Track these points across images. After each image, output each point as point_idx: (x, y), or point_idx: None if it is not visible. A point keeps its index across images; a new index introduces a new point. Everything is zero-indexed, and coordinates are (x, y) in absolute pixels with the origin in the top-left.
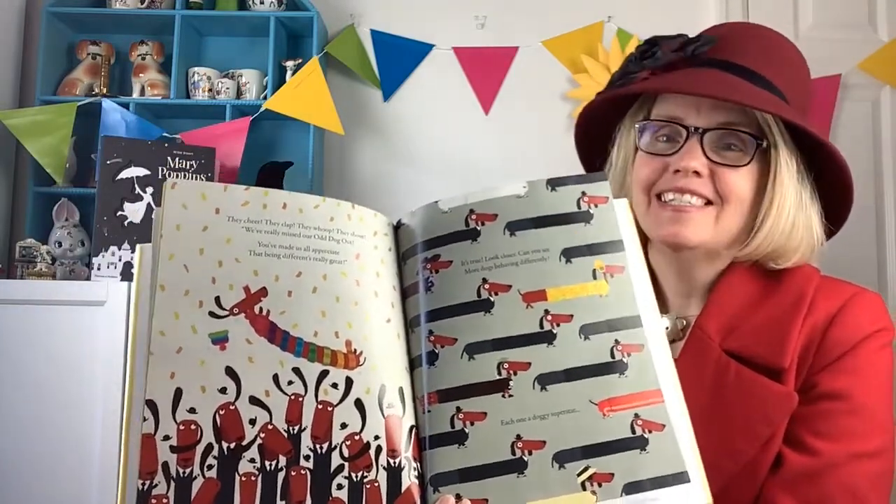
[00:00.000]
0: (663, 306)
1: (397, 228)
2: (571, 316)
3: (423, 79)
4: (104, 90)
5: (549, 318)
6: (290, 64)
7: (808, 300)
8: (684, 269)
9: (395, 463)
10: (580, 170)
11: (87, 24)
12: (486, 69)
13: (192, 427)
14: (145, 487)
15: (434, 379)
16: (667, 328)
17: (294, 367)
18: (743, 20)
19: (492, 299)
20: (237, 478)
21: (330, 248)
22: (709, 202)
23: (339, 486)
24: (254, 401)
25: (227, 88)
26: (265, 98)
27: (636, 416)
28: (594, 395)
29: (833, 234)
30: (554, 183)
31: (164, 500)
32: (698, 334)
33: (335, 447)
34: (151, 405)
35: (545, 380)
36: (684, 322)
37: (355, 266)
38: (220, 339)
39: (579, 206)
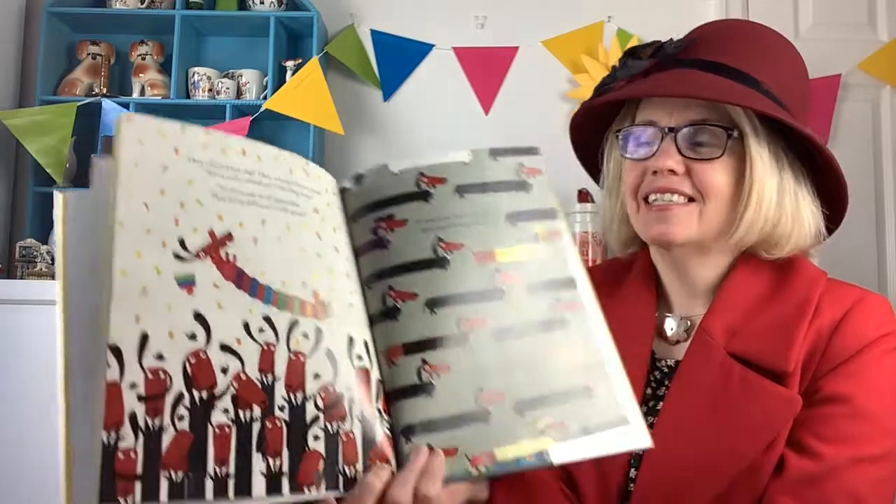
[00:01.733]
0: (668, 307)
1: (343, 191)
2: (519, 275)
3: (423, 79)
4: (104, 90)
5: (500, 276)
6: (290, 64)
7: (813, 304)
8: (681, 269)
9: (367, 414)
10: (581, 171)
11: (87, 24)
12: (486, 69)
13: (161, 375)
14: (111, 441)
15: (398, 332)
16: (671, 329)
17: (264, 315)
18: (743, 20)
19: (447, 257)
20: (210, 429)
21: (291, 199)
22: (691, 199)
23: (316, 438)
24: (225, 348)
25: (227, 88)
26: (265, 98)
27: (583, 366)
28: (544, 348)
29: (832, 231)
30: (495, 153)
31: (132, 455)
32: (703, 336)
33: (309, 398)
34: (115, 351)
35: (500, 334)
36: (689, 323)
37: (315, 220)
38: (187, 283)
39: (519, 176)
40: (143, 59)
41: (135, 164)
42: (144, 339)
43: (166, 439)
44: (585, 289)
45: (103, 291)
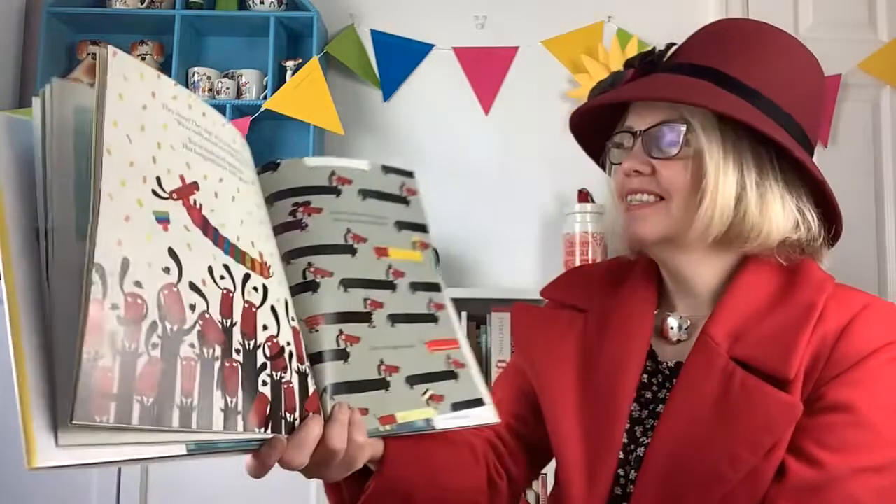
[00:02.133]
0: (670, 307)
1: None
2: (404, 273)
3: (423, 79)
4: None
5: (392, 270)
6: (290, 64)
7: (818, 310)
8: (673, 270)
9: (302, 369)
10: (582, 171)
11: (87, 24)
12: (486, 69)
13: (139, 301)
14: (91, 356)
15: (318, 303)
16: (671, 329)
17: (224, 264)
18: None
19: (355, 246)
20: (179, 361)
21: (237, 165)
22: (661, 198)
23: (264, 383)
24: (193, 287)
25: (227, 88)
26: (265, 98)
27: (448, 356)
28: (423, 337)
29: (836, 233)
30: (385, 169)
31: (110, 374)
32: (705, 340)
33: (259, 346)
34: (99, 270)
35: (394, 319)
36: (689, 323)
37: (253, 190)
38: (163, 219)
39: (401, 192)
40: (143, 59)
41: (119, 96)
42: (126, 263)
43: (140, 364)
44: (446, 294)
45: (92, 211)
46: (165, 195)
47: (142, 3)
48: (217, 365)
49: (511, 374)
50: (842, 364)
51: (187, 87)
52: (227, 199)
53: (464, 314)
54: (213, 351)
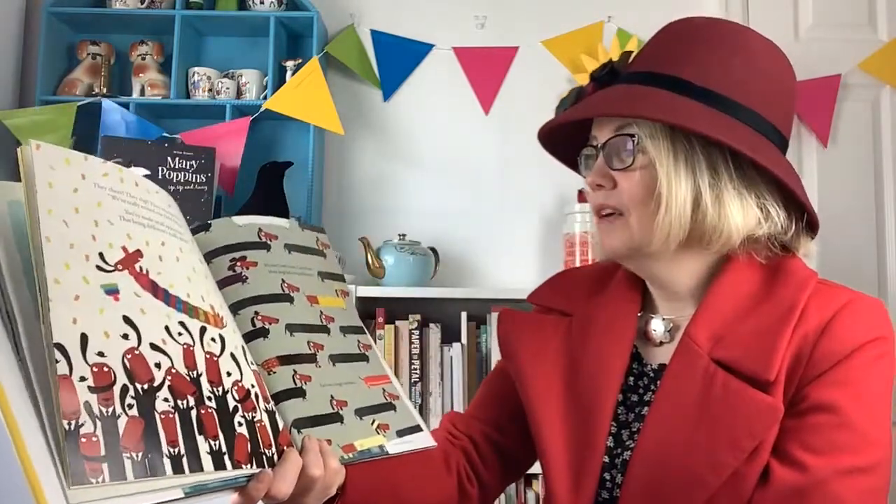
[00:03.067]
0: (653, 309)
1: None
2: (334, 318)
3: (423, 79)
4: (104, 90)
5: (324, 316)
6: (290, 64)
7: (799, 309)
8: (649, 276)
9: (269, 408)
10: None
11: (87, 24)
12: (486, 69)
13: (105, 369)
14: (72, 427)
15: (271, 348)
16: (654, 331)
17: (180, 321)
18: (743, 20)
19: (291, 294)
20: (157, 416)
21: (176, 228)
22: (621, 212)
23: (240, 424)
24: (154, 347)
25: (227, 88)
26: (265, 98)
27: (384, 389)
28: (359, 374)
29: (814, 225)
30: (303, 226)
31: (94, 438)
32: (687, 343)
33: (227, 391)
34: (60, 348)
35: (334, 359)
36: (671, 324)
37: (193, 248)
38: (112, 291)
39: (317, 245)
40: (143, 59)
41: (49, 185)
42: (84, 338)
43: (121, 424)
44: (368, 335)
45: (40, 297)
46: (111, 268)
47: (142, 3)
48: (194, 413)
49: (494, 378)
50: (824, 363)
51: (187, 87)
52: (172, 260)
53: (464, 314)
54: (187, 401)
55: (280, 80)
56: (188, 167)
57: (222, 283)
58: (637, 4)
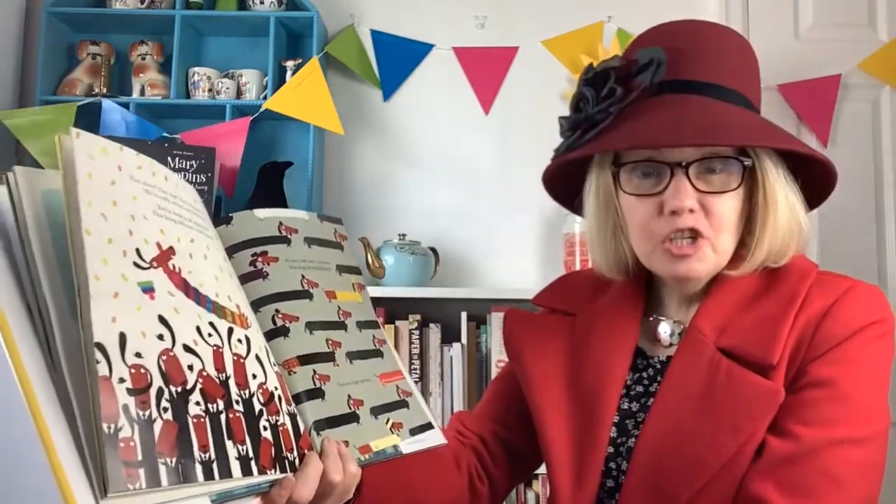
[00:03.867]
0: (663, 312)
1: None
2: (351, 313)
3: (423, 79)
4: (104, 90)
5: (342, 312)
6: (290, 64)
7: (801, 296)
8: (689, 289)
9: (291, 411)
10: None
11: (87, 24)
12: (486, 69)
13: (142, 371)
14: (111, 430)
15: (291, 347)
16: (663, 333)
17: (210, 322)
18: (743, 20)
19: (311, 291)
20: (189, 419)
21: (203, 224)
22: (702, 234)
23: (265, 428)
24: (187, 348)
25: (227, 88)
26: (265, 98)
27: (397, 386)
28: (375, 371)
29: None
30: (321, 217)
31: (132, 443)
32: (694, 333)
33: (253, 394)
34: (101, 348)
35: (351, 356)
36: (681, 327)
37: (219, 244)
38: (148, 289)
39: (335, 238)
40: (143, 59)
41: (89, 175)
42: (123, 338)
43: (157, 429)
44: (383, 330)
45: (79, 294)
46: (146, 265)
47: (142, 3)
48: (223, 417)
49: (501, 379)
50: (825, 344)
51: (187, 87)
52: (201, 258)
53: (464, 314)
54: (217, 405)
55: (280, 80)
56: (188, 167)
57: (243, 279)
58: (637, 4)
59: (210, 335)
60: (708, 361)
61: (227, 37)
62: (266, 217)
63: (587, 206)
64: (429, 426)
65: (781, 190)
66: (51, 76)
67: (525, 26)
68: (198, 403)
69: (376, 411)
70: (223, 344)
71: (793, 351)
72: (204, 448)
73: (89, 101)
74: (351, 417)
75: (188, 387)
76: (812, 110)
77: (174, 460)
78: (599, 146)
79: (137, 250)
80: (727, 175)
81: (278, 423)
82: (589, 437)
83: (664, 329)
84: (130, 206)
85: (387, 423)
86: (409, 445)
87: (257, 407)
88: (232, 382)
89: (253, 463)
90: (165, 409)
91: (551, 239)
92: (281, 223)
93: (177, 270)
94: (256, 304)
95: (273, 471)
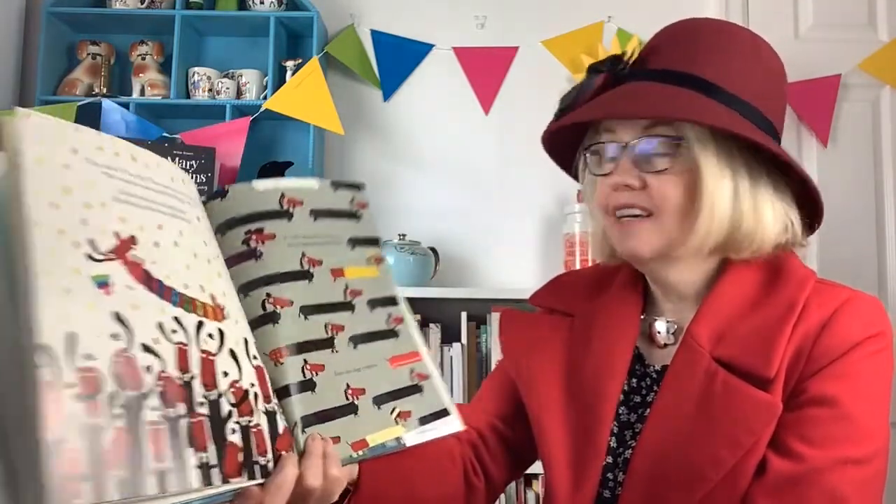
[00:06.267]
0: (658, 311)
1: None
2: (361, 291)
3: (423, 79)
4: (104, 90)
5: (349, 291)
6: (290, 64)
7: (799, 307)
8: (659, 279)
9: (269, 409)
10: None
11: (87, 24)
12: (486, 69)
13: (93, 374)
14: (54, 442)
15: (280, 335)
16: (659, 333)
17: (174, 317)
18: (743, 21)
19: (311, 271)
20: (144, 427)
21: (177, 206)
22: (650, 213)
23: (233, 431)
24: (146, 348)
25: (227, 88)
26: (265, 98)
27: (411, 369)
28: (385, 354)
29: (813, 227)
30: (335, 185)
31: (76, 456)
32: (689, 342)
33: (221, 395)
34: (46, 350)
35: (356, 340)
36: (676, 326)
37: (199, 227)
38: (104, 284)
39: (352, 207)
40: (143, 59)
41: (38, 161)
42: (72, 338)
43: (106, 438)
44: (403, 306)
45: (23, 290)
46: (102, 257)
47: (142, 3)
48: (184, 423)
49: (497, 375)
50: (824, 358)
51: (187, 87)
52: (170, 246)
53: (464, 314)
54: (177, 409)
55: (280, 80)
56: (188, 167)
57: (234, 261)
58: (637, 4)
59: (174, 332)
60: (704, 372)
61: (227, 37)
62: (266, 189)
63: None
64: (443, 413)
65: (720, 174)
66: (51, 76)
67: (525, 26)
68: (154, 409)
69: (380, 400)
70: (189, 341)
71: (790, 364)
72: (159, 457)
73: (89, 101)
74: (347, 409)
75: (144, 391)
76: (812, 110)
77: (124, 471)
78: (550, 126)
79: (92, 241)
80: (664, 157)
81: (250, 425)
82: (587, 444)
83: (660, 328)
84: (86, 192)
85: (392, 412)
86: (416, 436)
87: (226, 408)
88: (197, 383)
89: (216, 471)
90: (117, 416)
91: (551, 239)
92: (283, 195)
93: (138, 261)
94: (245, 289)
95: (241, 478)
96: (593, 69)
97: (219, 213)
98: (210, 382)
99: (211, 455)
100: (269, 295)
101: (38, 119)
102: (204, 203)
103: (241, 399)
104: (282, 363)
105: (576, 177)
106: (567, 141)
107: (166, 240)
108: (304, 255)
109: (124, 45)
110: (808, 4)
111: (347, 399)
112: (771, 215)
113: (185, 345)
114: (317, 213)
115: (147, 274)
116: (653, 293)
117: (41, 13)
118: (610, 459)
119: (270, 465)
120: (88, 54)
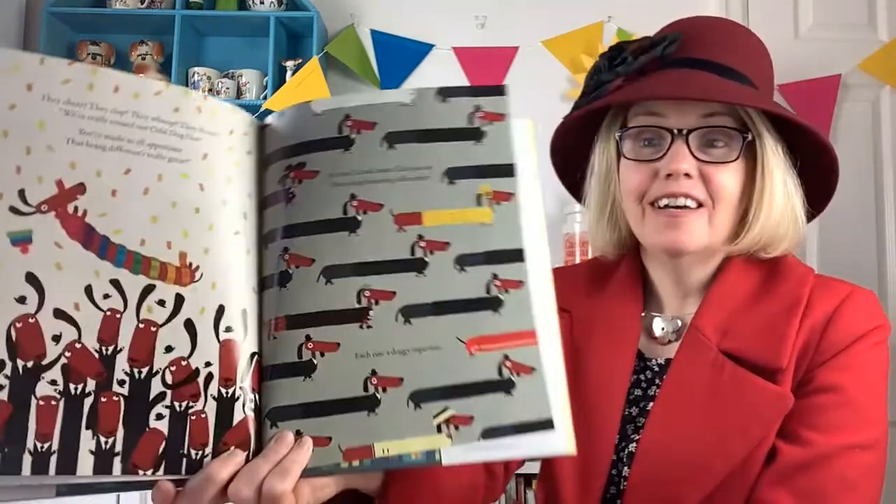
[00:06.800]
0: (657, 308)
1: (263, 129)
2: (448, 244)
3: (423, 79)
4: None
5: (423, 244)
6: (290, 64)
7: (804, 301)
8: (678, 272)
9: (227, 393)
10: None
11: (87, 24)
12: (486, 69)
13: None
14: None
15: (284, 302)
16: (662, 329)
17: (112, 279)
18: (743, 20)
19: (359, 218)
20: (34, 401)
21: (170, 143)
22: (700, 204)
23: (159, 416)
24: (59, 314)
25: (227, 88)
26: (265, 98)
27: (506, 356)
28: (462, 332)
29: (813, 217)
30: (446, 93)
31: None
32: (695, 334)
33: (156, 372)
34: None
35: (410, 312)
36: (679, 323)
37: (201, 167)
38: (22, 240)
39: (471, 122)
40: (143, 59)
41: None
42: None
43: None
44: (537, 264)
45: None
46: (30, 210)
47: (142, 3)
48: (89, 401)
49: None
50: (831, 349)
51: (187, 86)
52: (134, 195)
53: None
54: (84, 386)
55: (280, 80)
56: None
57: (268, 202)
58: (637, 4)
59: (107, 297)
60: (711, 364)
61: (227, 37)
62: (326, 110)
63: (589, 185)
64: (542, 425)
65: (780, 170)
66: None
67: (525, 26)
68: (53, 382)
69: (424, 396)
70: (126, 308)
71: (799, 355)
72: (44, 436)
73: None
74: (360, 403)
75: (44, 361)
76: (812, 110)
77: None
78: (601, 102)
79: (22, 192)
80: (728, 149)
81: (190, 411)
82: (592, 446)
83: (659, 325)
84: (30, 134)
85: (438, 415)
86: (465, 453)
87: (156, 389)
88: (122, 357)
89: (117, 459)
90: (1, 387)
91: (551, 239)
92: (348, 117)
93: (79, 214)
94: (267, 239)
95: (153, 471)
96: (618, 50)
97: (272, 139)
98: (142, 357)
99: (118, 440)
100: (286, 249)
101: None
102: (263, 127)
103: (185, 379)
104: (275, 337)
105: (569, 179)
106: (570, 134)
107: (132, 187)
108: (353, 196)
109: (124, 45)
110: (808, 4)
111: (366, 390)
112: (801, 216)
113: (119, 312)
114: (395, 137)
115: (88, 228)
116: (654, 288)
117: (41, 13)
118: (613, 456)
119: (208, 460)
120: (88, 54)
